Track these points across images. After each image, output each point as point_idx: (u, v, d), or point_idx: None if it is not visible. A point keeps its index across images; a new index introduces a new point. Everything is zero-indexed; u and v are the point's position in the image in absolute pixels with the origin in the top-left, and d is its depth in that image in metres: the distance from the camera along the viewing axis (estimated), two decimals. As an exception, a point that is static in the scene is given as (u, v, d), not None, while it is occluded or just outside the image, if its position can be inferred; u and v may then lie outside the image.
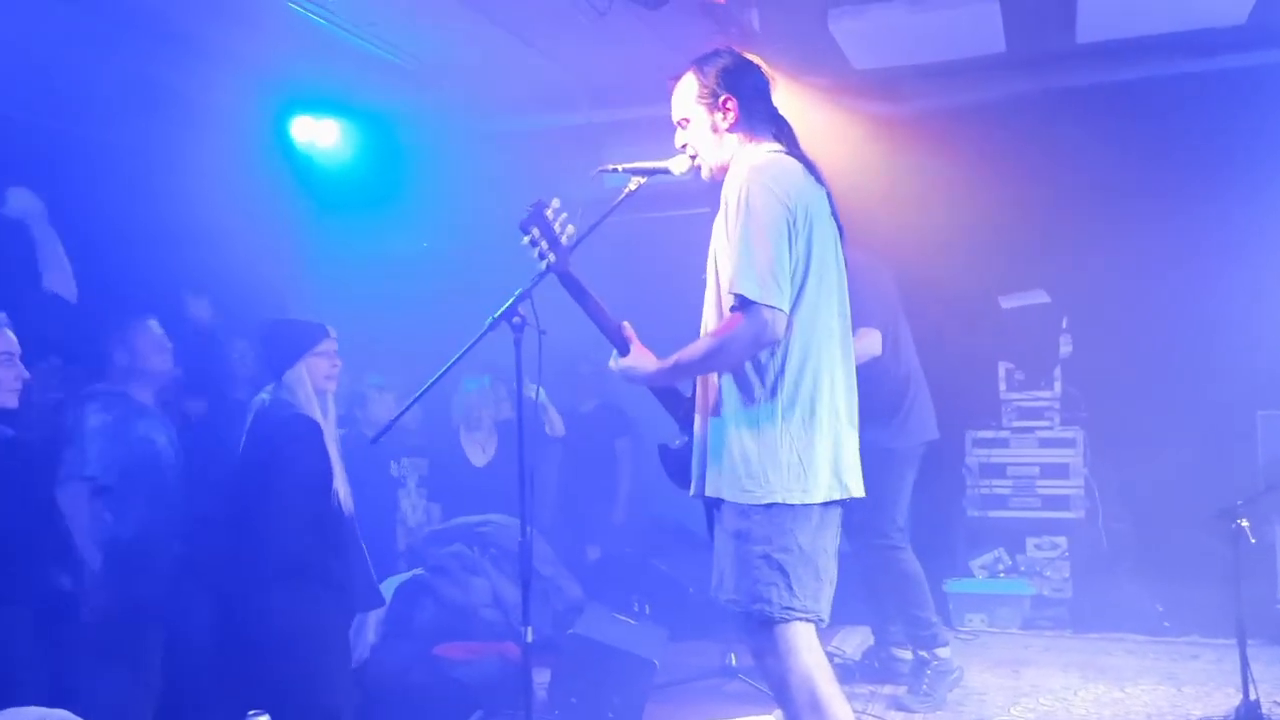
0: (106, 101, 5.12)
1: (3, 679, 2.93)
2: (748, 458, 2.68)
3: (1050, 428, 6.32)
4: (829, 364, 2.75)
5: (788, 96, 5.13)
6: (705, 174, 2.93)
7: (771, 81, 2.97)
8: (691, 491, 2.88)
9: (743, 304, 2.59)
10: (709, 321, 2.82)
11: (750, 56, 3.02)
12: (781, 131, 2.91)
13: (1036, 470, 6.28)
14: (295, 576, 3.52)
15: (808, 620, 2.70)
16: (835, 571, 2.82)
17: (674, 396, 3.04)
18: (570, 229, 3.00)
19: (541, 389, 3.38)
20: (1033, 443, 6.32)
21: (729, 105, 2.84)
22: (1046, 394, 6.35)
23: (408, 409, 3.75)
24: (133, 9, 4.87)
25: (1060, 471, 6.24)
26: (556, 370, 6.19)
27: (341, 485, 3.66)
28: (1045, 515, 6.23)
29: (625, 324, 3.02)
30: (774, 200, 2.64)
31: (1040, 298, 6.40)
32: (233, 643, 3.57)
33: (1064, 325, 6.37)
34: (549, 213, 2.98)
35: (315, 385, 3.73)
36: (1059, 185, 6.21)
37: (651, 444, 6.55)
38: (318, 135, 6.24)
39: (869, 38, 5.52)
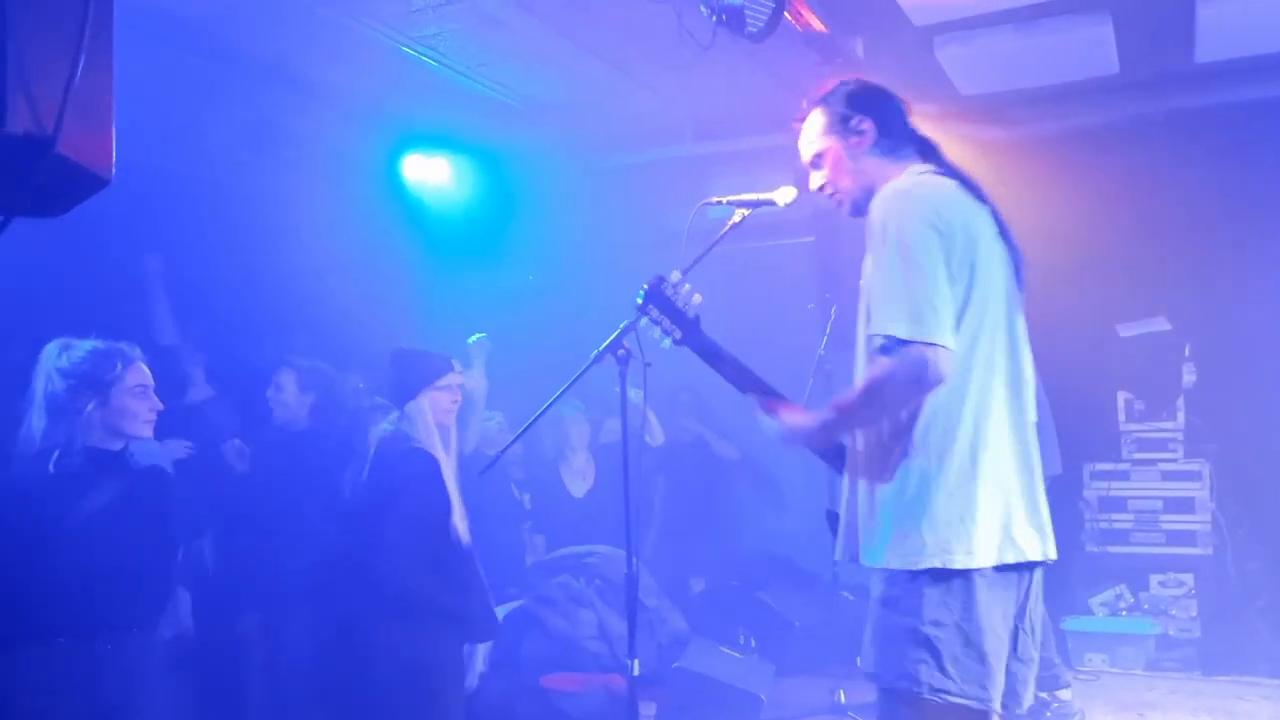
0: (226, 145, 5.35)
1: (125, 706, 3.03)
2: (898, 516, 2.33)
3: (1174, 460, 6.07)
4: (994, 406, 2.37)
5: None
6: (849, 209, 2.60)
7: (906, 104, 2.67)
8: (837, 555, 2.52)
9: (894, 345, 2.24)
10: (861, 370, 2.49)
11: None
12: (927, 150, 2.60)
13: (1160, 504, 6.03)
14: (411, 610, 3.54)
15: (967, 705, 2.28)
16: (1030, 650, 2.44)
17: (839, 456, 2.63)
18: (697, 297, 2.77)
19: (640, 392, 3.33)
20: (1155, 476, 6.07)
21: (863, 126, 2.55)
22: (1169, 425, 6.11)
23: (516, 440, 3.81)
24: (252, 55, 5.09)
25: (1185, 506, 5.98)
26: (659, 401, 6.22)
27: (460, 519, 3.67)
28: (1170, 551, 5.97)
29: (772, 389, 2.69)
30: (922, 224, 2.30)
31: (1161, 325, 6.17)
32: (349, 674, 3.62)
33: (1187, 353, 6.13)
34: (667, 288, 2.76)
35: (436, 419, 3.73)
36: (1178, 209, 5.99)
37: (753, 474, 6.51)
38: (429, 173, 6.41)
39: (976, 63, 5.43)
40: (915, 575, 2.28)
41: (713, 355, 2.72)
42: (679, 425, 6.78)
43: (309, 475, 4.18)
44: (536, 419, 3.67)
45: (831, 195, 2.63)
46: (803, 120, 2.68)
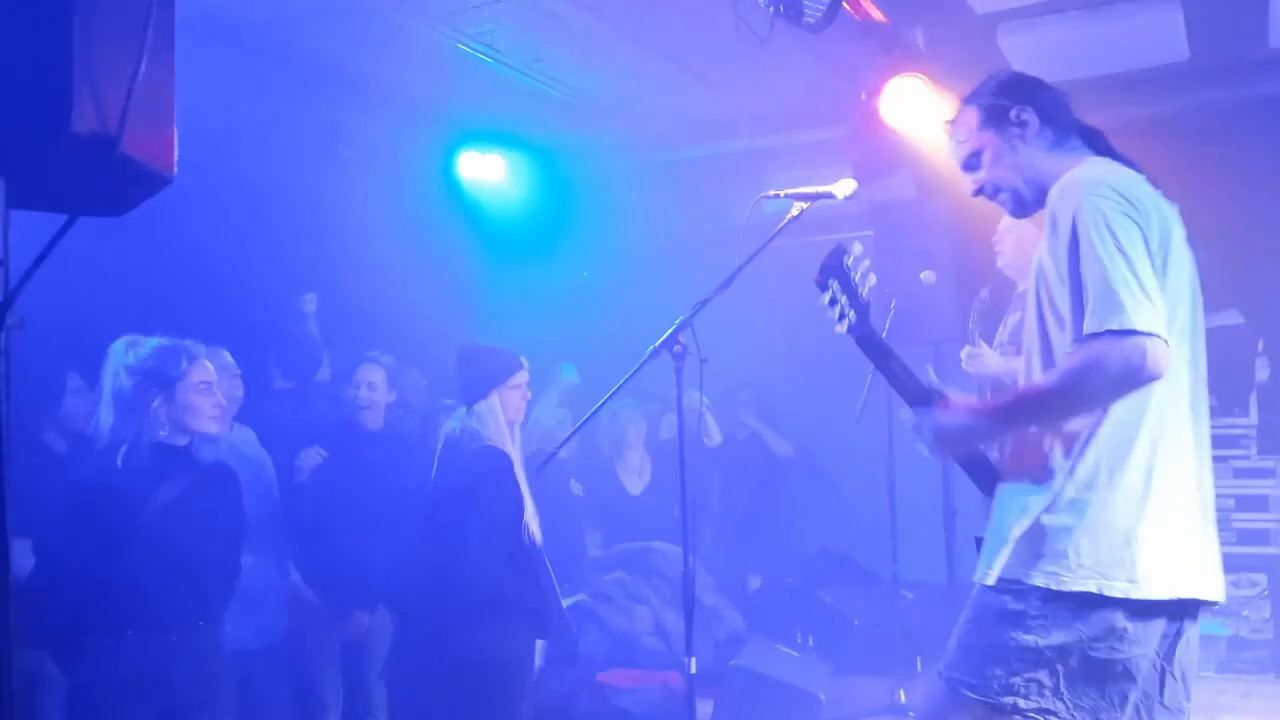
0: (288, 145, 5.42)
1: (194, 698, 3.08)
2: (1053, 531, 2.12)
3: (1246, 457, 5.89)
4: (1173, 422, 2.18)
5: (955, 116, 4.99)
6: (1012, 206, 2.41)
7: (1068, 97, 2.46)
8: (976, 576, 2.26)
9: (1110, 336, 2.03)
10: (1036, 375, 2.24)
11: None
12: (1095, 140, 2.41)
13: (1232, 502, 5.86)
14: (492, 607, 3.55)
15: None
16: (1181, 700, 2.23)
17: (983, 468, 2.42)
18: (872, 279, 2.51)
19: (705, 398, 3.29)
20: (1227, 473, 5.90)
21: (1024, 117, 2.35)
22: (1242, 421, 5.94)
23: (573, 435, 3.80)
24: (313, 56, 5.15)
25: (1259, 504, 5.81)
26: (715, 397, 6.18)
27: (531, 517, 3.67)
28: (1242, 550, 5.80)
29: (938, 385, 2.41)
30: (1125, 216, 2.11)
31: (1233, 319, 6.00)
32: (426, 670, 3.64)
33: (1260, 348, 5.95)
34: (849, 260, 2.49)
35: (506, 416, 3.73)
36: (1251, 199, 5.81)
37: (811, 471, 6.43)
38: (484, 170, 6.43)
39: (1041, 51, 5.31)
40: (1056, 595, 2.10)
41: (880, 351, 2.47)
42: (735, 422, 6.74)
43: (388, 473, 4.21)
44: (593, 416, 3.66)
45: (993, 195, 2.42)
46: (953, 124, 2.49)
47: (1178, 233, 2.25)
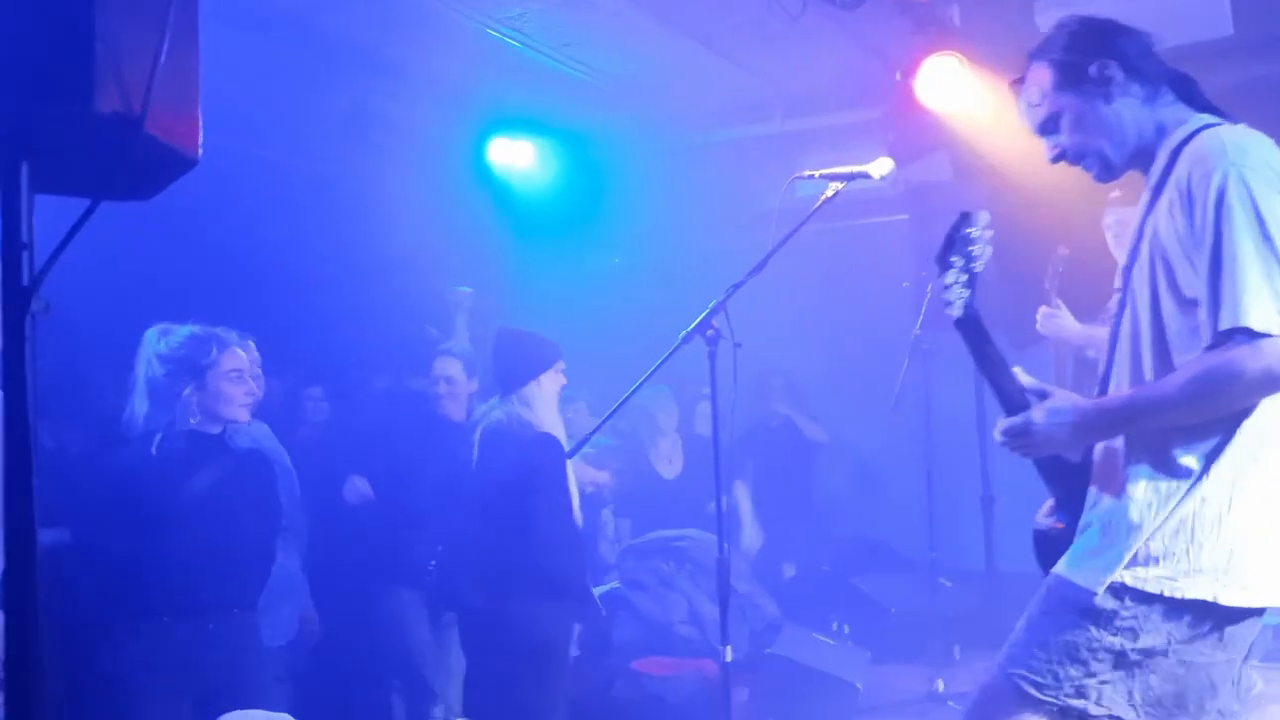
0: (319, 131, 5.41)
1: (229, 683, 3.09)
2: (1167, 532, 1.98)
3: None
4: None
5: (990, 94, 4.90)
6: (1098, 171, 2.18)
7: (1151, 39, 2.19)
8: (1065, 572, 2.10)
9: (1243, 337, 1.86)
10: (1146, 360, 2.05)
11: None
12: (1188, 90, 2.16)
13: None
14: (556, 592, 3.56)
15: None
16: (1233, 704, 2.07)
17: (1059, 466, 2.24)
18: (987, 251, 2.23)
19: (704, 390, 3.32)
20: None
21: (1108, 71, 2.10)
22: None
23: (604, 422, 3.76)
24: (343, 42, 5.13)
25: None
26: (748, 383, 6.13)
27: (576, 502, 3.68)
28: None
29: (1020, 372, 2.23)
30: (1270, 185, 1.90)
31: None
32: (480, 654, 3.65)
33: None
34: (973, 230, 2.22)
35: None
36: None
37: (846, 457, 6.38)
38: (514, 156, 6.40)
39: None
40: (1153, 599, 1.97)
41: (981, 338, 2.23)
42: (768, 408, 6.69)
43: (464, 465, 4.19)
44: (624, 402, 3.62)
45: (1076, 160, 2.19)
46: (1020, 83, 2.25)
47: None
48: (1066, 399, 2.12)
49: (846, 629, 5.58)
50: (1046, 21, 5.15)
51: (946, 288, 2.25)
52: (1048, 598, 2.11)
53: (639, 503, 6.06)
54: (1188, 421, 1.97)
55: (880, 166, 3.10)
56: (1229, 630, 1.98)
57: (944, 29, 5.04)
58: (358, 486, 4.31)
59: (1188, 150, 2.01)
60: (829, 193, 3.16)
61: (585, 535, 5.47)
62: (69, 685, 2.97)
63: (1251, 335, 1.85)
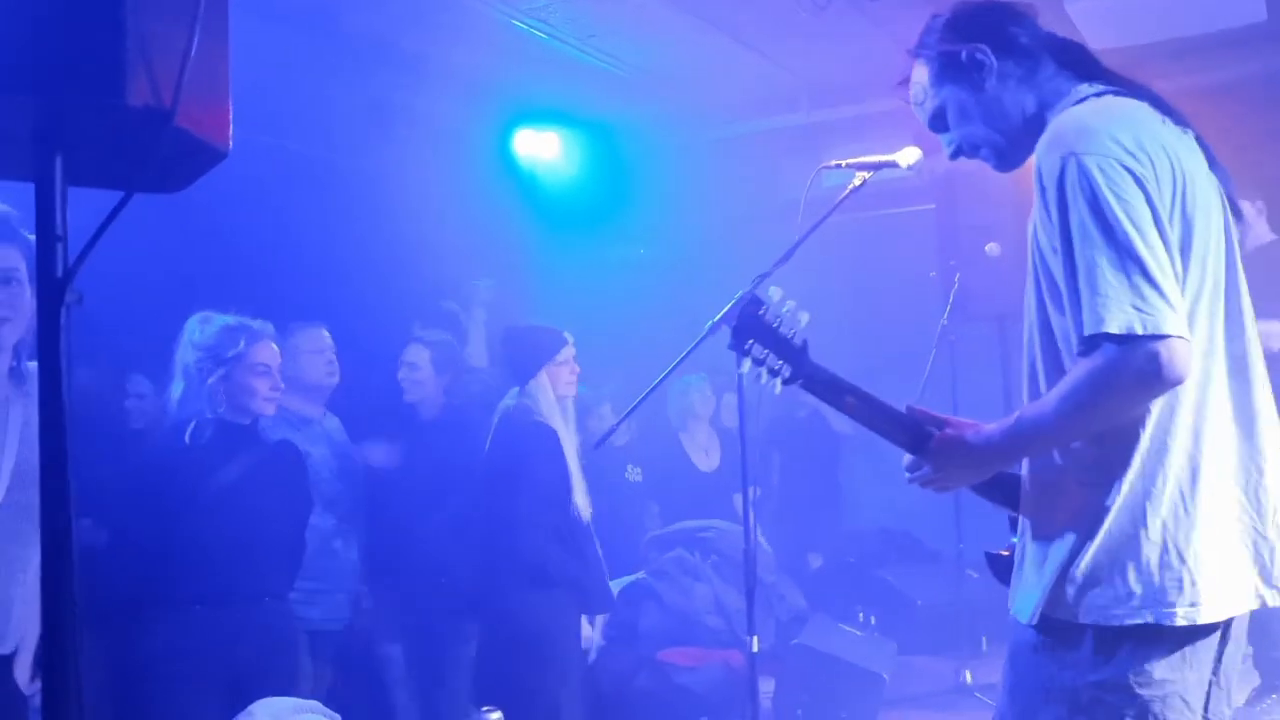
0: (343, 124, 5.43)
1: (259, 672, 3.12)
2: (1093, 559, 1.76)
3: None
4: (1216, 403, 1.81)
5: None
6: (995, 162, 2.07)
7: (1026, 7, 2.05)
8: (1011, 609, 1.92)
9: (1107, 343, 1.69)
10: (1040, 372, 1.88)
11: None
12: (1077, 60, 2.00)
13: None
14: (536, 580, 3.62)
15: None
16: (1223, 708, 1.85)
17: (1003, 487, 2.05)
18: (804, 316, 2.14)
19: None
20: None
21: (978, 55, 1.98)
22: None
23: (630, 413, 3.77)
24: (367, 33, 5.15)
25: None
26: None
27: (580, 492, 3.73)
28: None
29: (916, 408, 2.08)
30: (1115, 169, 1.73)
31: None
32: (468, 640, 3.71)
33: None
34: (767, 314, 2.13)
35: (557, 392, 3.81)
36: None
37: (874, 448, 6.33)
38: (539, 147, 6.41)
39: (1110, 15, 5.14)
40: (1088, 629, 1.76)
41: (832, 389, 2.12)
42: (793, 400, 6.66)
43: (449, 457, 4.22)
44: (650, 392, 3.63)
45: (971, 153, 2.08)
46: (906, 83, 2.14)
47: (1198, 169, 1.86)
48: (954, 435, 1.96)
49: (873, 620, 5.57)
50: (1077, 10, 5.11)
51: (753, 369, 2.16)
52: (1010, 639, 1.93)
53: (673, 491, 6.03)
54: (1077, 439, 1.81)
55: (908, 156, 3.08)
56: (1188, 649, 1.76)
57: (972, 17, 4.99)
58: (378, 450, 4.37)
59: (1042, 139, 1.87)
60: (856, 182, 3.14)
61: (629, 533, 5.50)
62: (101, 673, 3.02)
63: (1112, 339, 1.68)
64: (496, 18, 5.09)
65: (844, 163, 3.18)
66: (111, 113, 1.40)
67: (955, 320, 5.22)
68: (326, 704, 2.86)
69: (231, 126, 1.62)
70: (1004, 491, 2.01)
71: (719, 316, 3.17)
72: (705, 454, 6.13)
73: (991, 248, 5.28)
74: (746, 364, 2.15)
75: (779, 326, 2.12)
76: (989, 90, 2.00)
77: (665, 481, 6.06)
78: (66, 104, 1.38)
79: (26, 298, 2.40)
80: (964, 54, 2.00)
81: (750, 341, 2.13)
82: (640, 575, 5.30)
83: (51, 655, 1.42)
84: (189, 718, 2.97)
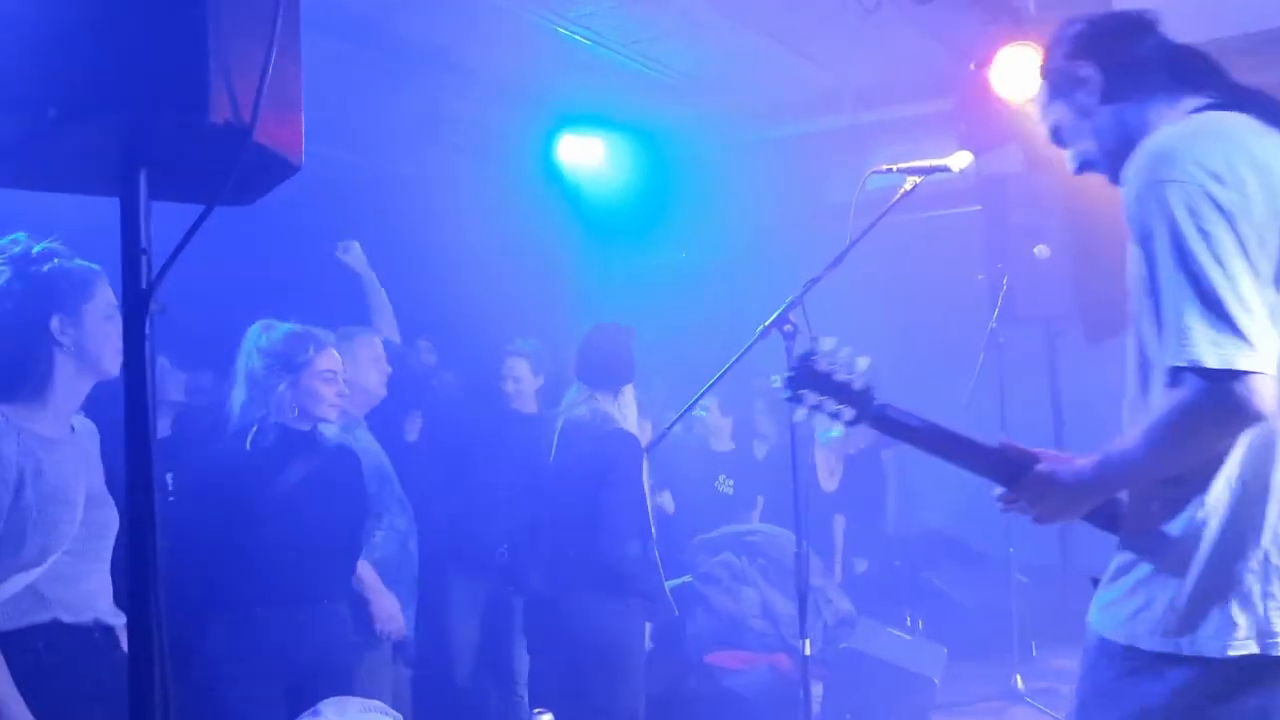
0: (392, 133, 5.50)
1: (319, 673, 3.17)
2: (1194, 590, 1.75)
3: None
4: None
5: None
6: (1110, 177, 2.02)
7: (1149, 21, 2.03)
8: (1093, 622, 1.91)
9: (1189, 377, 1.68)
10: (1134, 397, 1.89)
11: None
12: (1191, 71, 1.96)
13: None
14: (617, 589, 3.64)
15: None
16: None
17: (1106, 511, 2.00)
18: (863, 361, 2.16)
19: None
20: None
21: (1083, 73, 1.98)
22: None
23: (680, 418, 3.80)
24: (414, 43, 5.21)
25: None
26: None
27: (649, 500, 3.75)
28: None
29: (1008, 443, 2.06)
30: (1196, 195, 1.70)
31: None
32: (547, 644, 3.72)
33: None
34: (820, 363, 2.14)
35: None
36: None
37: (921, 452, 6.27)
38: (583, 153, 6.45)
39: (1161, 14, 5.09)
40: (1206, 662, 1.73)
41: (901, 427, 2.12)
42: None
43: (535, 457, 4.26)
44: (698, 400, 3.66)
45: (1092, 168, 2.06)
46: (1035, 101, 2.16)
47: None
48: (1048, 472, 1.95)
49: (921, 624, 5.54)
50: (1128, 7, 5.06)
51: (810, 416, 2.18)
52: (1084, 654, 1.92)
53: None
54: (1165, 473, 1.79)
55: (959, 160, 3.08)
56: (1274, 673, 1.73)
57: (1018, 18, 4.97)
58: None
59: (1128, 164, 1.84)
60: (907, 186, 3.16)
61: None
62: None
63: (1191, 374, 1.68)
64: (541, 25, 5.13)
65: (894, 167, 3.19)
66: (194, 130, 1.44)
67: (1004, 323, 5.19)
68: (402, 705, 2.90)
69: (304, 140, 1.66)
70: (1106, 516, 1.99)
71: (768, 322, 3.21)
72: (830, 474, 6.13)
73: (1040, 250, 5.25)
74: (801, 412, 2.17)
75: (835, 373, 2.13)
76: (1095, 108, 1.99)
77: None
78: (152, 122, 1.43)
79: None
80: (1073, 72, 2.00)
81: (804, 391, 2.15)
82: (688, 579, 5.32)
83: (139, 665, 1.46)
84: (252, 717, 3.02)
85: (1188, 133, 1.82)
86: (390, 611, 3.61)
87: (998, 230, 5.66)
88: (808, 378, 2.15)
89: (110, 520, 2.42)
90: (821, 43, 5.53)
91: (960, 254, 6.11)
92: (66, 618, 2.36)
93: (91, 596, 2.42)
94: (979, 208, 6.02)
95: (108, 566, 2.46)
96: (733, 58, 5.72)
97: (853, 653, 4.38)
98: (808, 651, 3.17)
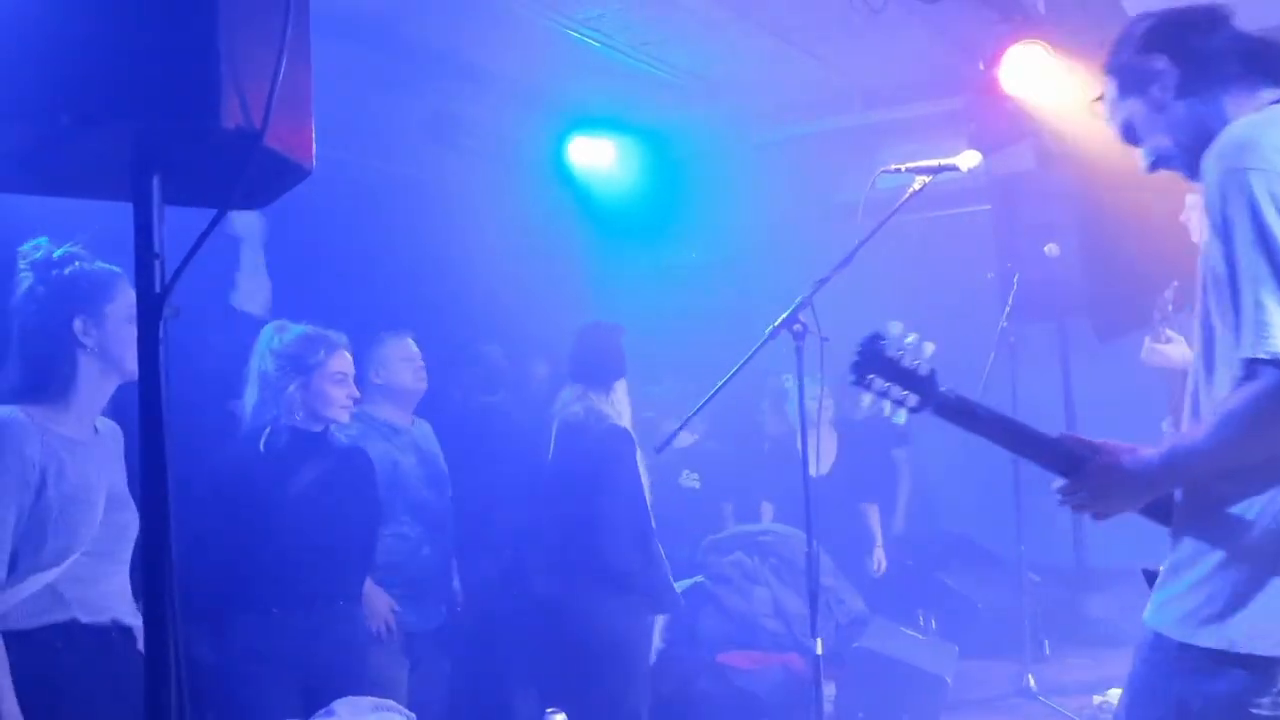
0: (402, 136, 5.52)
1: (336, 674, 3.19)
2: (1246, 589, 1.75)
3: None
4: None
5: (1077, 81, 4.81)
6: (1185, 173, 2.02)
7: (1221, 13, 1.99)
8: (1148, 618, 1.92)
9: (1267, 369, 1.68)
10: (1202, 391, 1.89)
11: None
12: (1270, 65, 1.93)
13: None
14: (620, 587, 3.66)
15: None
16: None
17: (1158, 504, 2.01)
18: (929, 346, 2.15)
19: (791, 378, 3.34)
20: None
21: (1157, 66, 1.96)
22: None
23: (691, 418, 3.80)
24: (423, 46, 5.23)
25: None
26: (838, 377, 6.07)
27: (648, 495, 3.76)
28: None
29: (1068, 435, 2.08)
30: (1278, 183, 1.70)
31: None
32: (546, 645, 3.74)
33: None
34: (889, 348, 2.13)
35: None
36: None
37: (931, 451, 6.34)
38: (594, 155, 6.46)
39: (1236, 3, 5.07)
40: (1216, 654, 1.76)
41: (966, 415, 2.11)
42: (853, 401, 6.61)
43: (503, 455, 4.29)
44: (711, 398, 3.66)
45: (1166, 165, 2.04)
46: (1101, 99, 2.14)
47: None
48: (1112, 462, 1.94)
49: (933, 624, 5.54)
50: (1136, 6, 5.05)
51: (876, 402, 2.16)
52: (1137, 649, 1.94)
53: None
54: (1233, 465, 1.78)
55: (968, 159, 3.09)
56: None
57: (1028, 17, 4.97)
58: None
59: (1207, 154, 1.83)
60: (916, 185, 3.17)
61: (680, 538, 5.51)
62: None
63: (1268, 365, 1.66)
64: (550, 27, 5.14)
65: (903, 166, 3.20)
66: (206, 135, 1.46)
67: (1014, 322, 5.18)
68: (422, 702, 2.92)
69: (314, 145, 1.68)
70: (1159, 509, 1.99)
71: (778, 322, 3.22)
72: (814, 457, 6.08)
73: (1051, 248, 5.24)
74: (868, 398, 2.15)
75: (901, 359, 2.12)
76: (1170, 102, 1.97)
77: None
78: (165, 128, 1.45)
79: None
80: (1145, 66, 1.98)
81: (871, 376, 2.13)
82: (699, 579, 5.32)
83: (155, 666, 1.48)
84: (268, 716, 3.04)
85: (1269, 121, 1.80)
86: (375, 609, 3.61)
87: (1008, 229, 5.66)
88: (875, 362, 2.13)
89: (131, 522, 2.45)
90: (830, 43, 5.53)
91: (971, 253, 6.11)
92: (84, 618, 2.38)
93: (110, 597, 2.44)
94: (989, 206, 6.02)
95: (127, 568, 2.48)
96: (741, 58, 5.72)
97: (865, 652, 4.38)
98: (819, 651, 3.17)
